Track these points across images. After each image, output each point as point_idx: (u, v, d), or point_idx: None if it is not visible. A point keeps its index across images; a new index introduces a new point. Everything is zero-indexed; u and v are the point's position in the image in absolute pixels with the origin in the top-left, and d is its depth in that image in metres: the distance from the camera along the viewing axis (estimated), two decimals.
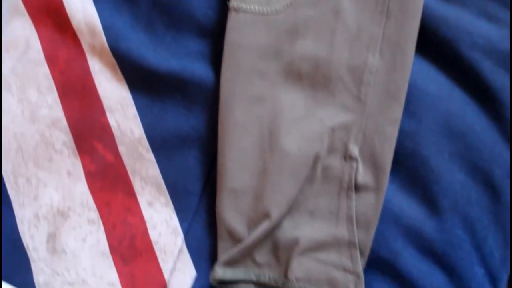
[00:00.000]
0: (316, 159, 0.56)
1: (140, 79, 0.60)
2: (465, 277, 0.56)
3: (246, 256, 0.57)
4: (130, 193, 0.59)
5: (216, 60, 0.60)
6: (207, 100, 0.59)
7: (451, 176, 0.57)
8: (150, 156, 0.59)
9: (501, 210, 0.57)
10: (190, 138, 0.59)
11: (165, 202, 0.59)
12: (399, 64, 0.57)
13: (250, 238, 0.55)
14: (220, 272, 0.55)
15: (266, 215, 0.55)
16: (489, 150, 0.57)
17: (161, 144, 0.59)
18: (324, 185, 0.56)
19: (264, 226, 0.55)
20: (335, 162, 0.56)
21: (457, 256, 0.56)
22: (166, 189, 0.59)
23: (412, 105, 0.58)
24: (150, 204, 0.59)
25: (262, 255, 0.57)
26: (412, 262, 0.56)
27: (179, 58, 0.60)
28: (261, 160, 0.56)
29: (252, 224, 0.56)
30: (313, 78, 0.57)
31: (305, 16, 0.57)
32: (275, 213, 0.55)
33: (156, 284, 0.58)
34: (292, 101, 0.57)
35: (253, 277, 0.57)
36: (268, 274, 0.56)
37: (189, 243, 0.58)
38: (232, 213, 0.56)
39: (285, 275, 0.55)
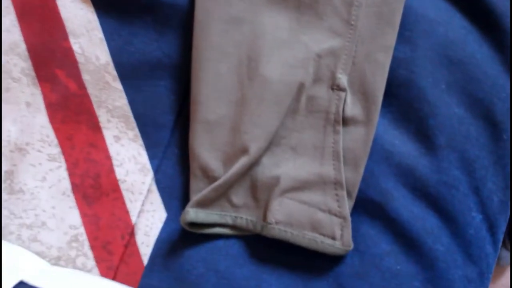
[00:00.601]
0: (300, 88, 0.50)
1: None
2: (461, 222, 0.51)
3: (221, 197, 0.51)
4: (95, 127, 0.54)
5: None
6: (181, 23, 0.54)
7: (448, 110, 0.52)
8: (118, 85, 0.54)
9: (502, 148, 0.52)
10: (162, 65, 0.54)
11: (133, 136, 0.54)
12: None
13: (226, 176, 0.50)
14: (192, 214, 0.50)
15: (244, 150, 0.50)
16: (491, 81, 0.52)
17: (129, 72, 0.54)
18: (309, 118, 0.51)
19: (241, 163, 0.50)
20: (321, 92, 0.51)
21: (453, 199, 0.51)
22: (134, 122, 0.54)
23: (408, 30, 0.52)
24: (116, 138, 0.54)
25: (239, 196, 0.51)
26: (404, 204, 0.51)
27: None
28: (239, 88, 0.51)
29: (228, 160, 0.51)
30: None
31: None
32: (254, 148, 0.49)
33: (122, 226, 0.52)
34: (274, 24, 0.51)
35: (229, 220, 0.51)
36: (245, 217, 0.51)
37: (160, 182, 0.53)
38: (206, 148, 0.51)
39: (264, 218, 0.50)
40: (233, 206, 0.51)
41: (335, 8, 0.51)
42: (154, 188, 0.54)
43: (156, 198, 0.53)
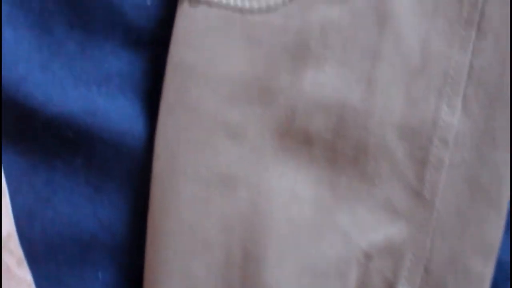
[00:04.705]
0: None
1: (12, 125, 0.32)
2: None
3: None
4: None
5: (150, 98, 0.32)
6: (129, 174, 0.32)
7: None
8: (23, 272, 0.32)
9: None
10: (97, 244, 0.33)
11: None
12: (499, 130, 0.29)
13: None
14: None
15: None
16: None
17: (43, 253, 0.33)
18: None
19: None
20: None
21: None
22: None
23: None
24: None
25: None
26: None
27: (83, 86, 0.32)
28: None
29: None
30: (332, 147, 0.30)
31: (323, 22, 0.29)
32: None
33: None
34: (290, 189, 0.30)
35: None
36: None
37: None
38: None
39: None
40: None
41: (397, 167, 0.29)
42: None
43: None
